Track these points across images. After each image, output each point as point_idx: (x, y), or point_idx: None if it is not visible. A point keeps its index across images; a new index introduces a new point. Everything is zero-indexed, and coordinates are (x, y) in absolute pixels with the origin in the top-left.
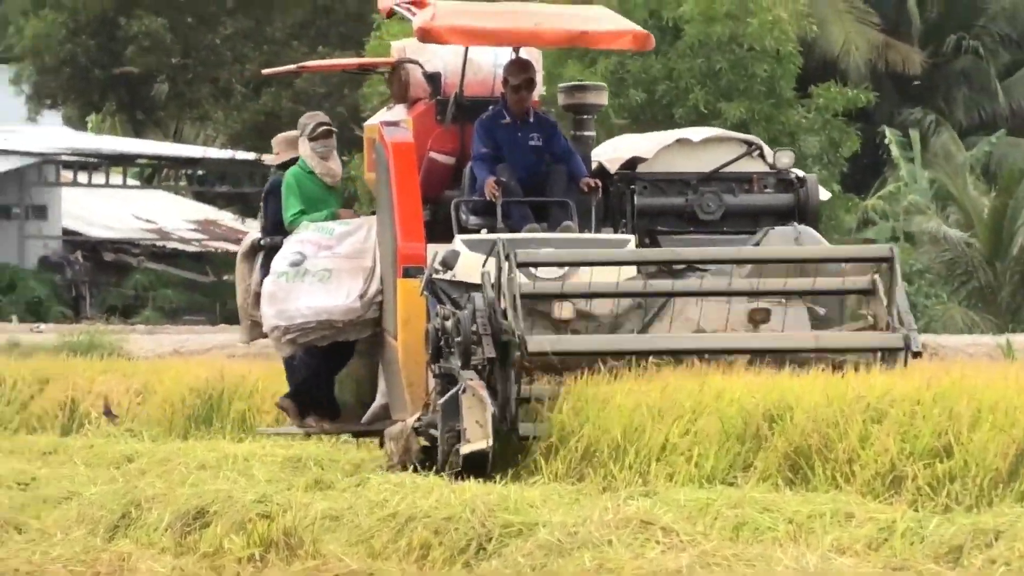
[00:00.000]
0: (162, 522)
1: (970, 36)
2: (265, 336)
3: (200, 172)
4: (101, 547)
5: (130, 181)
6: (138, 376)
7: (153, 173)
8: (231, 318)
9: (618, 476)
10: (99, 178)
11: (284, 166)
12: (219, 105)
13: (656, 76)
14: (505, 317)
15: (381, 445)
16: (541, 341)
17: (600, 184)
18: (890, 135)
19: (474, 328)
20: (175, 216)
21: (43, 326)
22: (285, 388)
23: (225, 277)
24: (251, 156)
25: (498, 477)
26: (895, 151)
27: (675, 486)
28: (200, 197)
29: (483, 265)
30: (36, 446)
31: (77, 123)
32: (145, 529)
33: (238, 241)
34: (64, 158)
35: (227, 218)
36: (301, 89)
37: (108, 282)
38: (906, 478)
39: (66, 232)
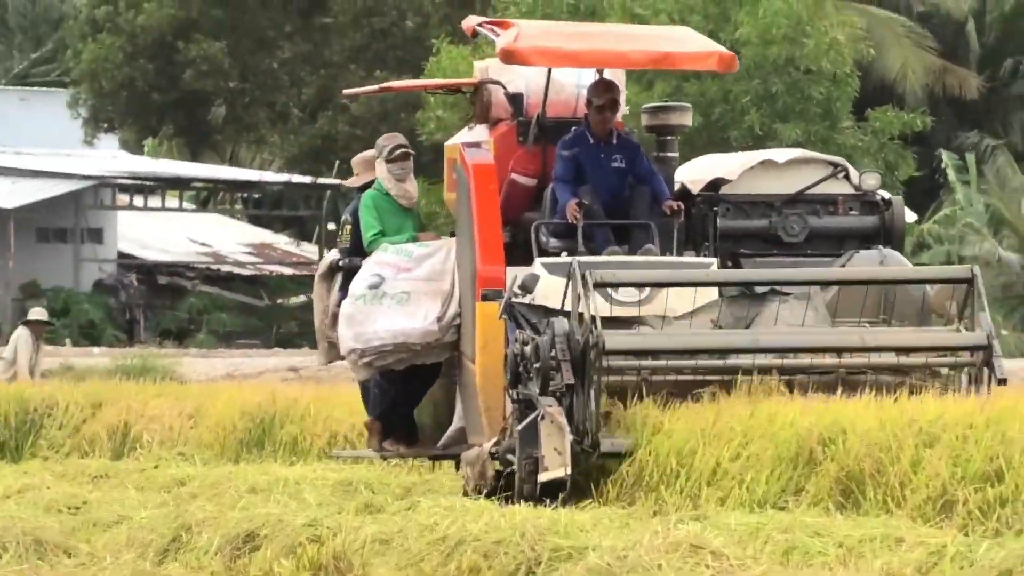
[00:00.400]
0: (212, 546)
1: None
2: (342, 358)
3: (256, 196)
4: (151, 571)
5: (186, 204)
6: (190, 400)
7: (209, 196)
8: (284, 342)
9: (668, 500)
10: (155, 201)
11: (364, 188)
12: (276, 129)
13: (713, 98)
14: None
15: (457, 469)
16: (620, 339)
17: (683, 206)
18: (946, 159)
19: (553, 354)
20: (230, 240)
21: (96, 350)
22: (338, 412)
23: (279, 301)
24: (307, 180)
25: (547, 500)
26: (951, 175)
27: (726, 510)
28: (255, 221)
29: (565, 289)
30: (88, 470)
31: (134, 147)
32: (195, 553)
33: (293, 264)
34: (120, 181)
35: (282, 242)
36: (358, 114)
37: (162, 305)
38: (957, 502)
39: (121, 255)
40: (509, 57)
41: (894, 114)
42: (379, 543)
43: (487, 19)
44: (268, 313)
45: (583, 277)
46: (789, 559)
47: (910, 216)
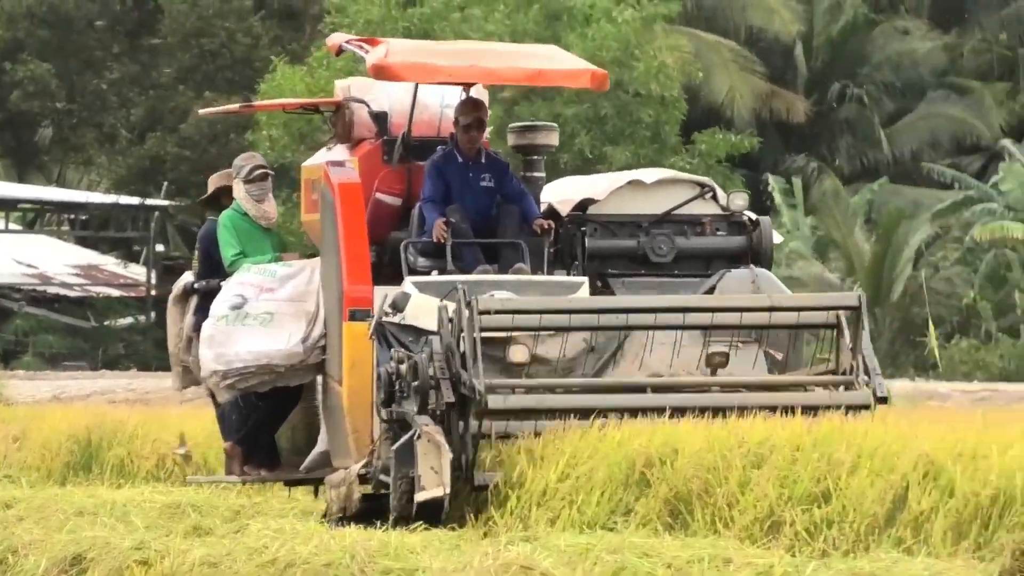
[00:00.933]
0: (39, 569)
1: (854, 84)
2: (197, 383)
3: (83, 217)
4: None
5: (12, 226)
6: (16, 422)
7: (36, 218)
8: (112, 364)
9: (499, 522)
10: None
11: (209, 201)
12: (103, 150)
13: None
14: (464, 366)
15: (316, 494)
16: (501, 400)
17: (553, 225)
18: (773, 182)
19: (431, 372)
20: (57, 261)
21: None
22: (165, 434)
23: (106, 323)
24: (135, 201)
25: (378, 523)
26: (778, 198)
27: (556, 531)
28: (83, 242)
29: (440, 308)
30: None
31: None
32: None
33: (121, 286)
34: None
35: (110, 263)
36: (187, 135)
37: None
38: (784, 523)
39: None
40: (380, 73)
41: (721, 137)
42: (207, 566)
43: (354, 36)
44: (95, 335)
45: (469, 303)
46: None
47: (777, 237)
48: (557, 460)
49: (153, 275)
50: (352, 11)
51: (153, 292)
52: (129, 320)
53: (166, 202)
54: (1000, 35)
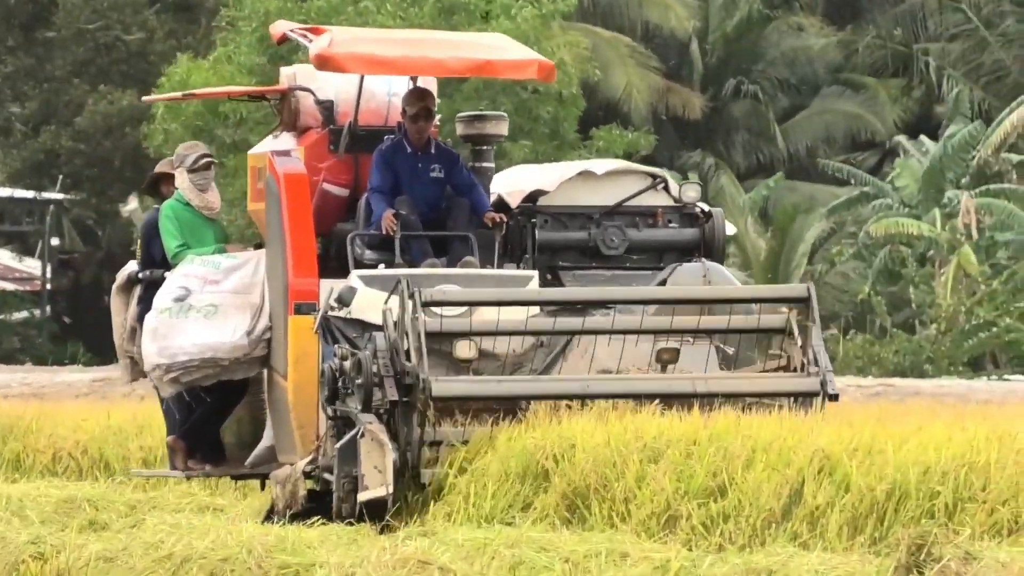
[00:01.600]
0: None
1: (749, 81)
2: (144, 375)
3: None
4: None
5: None
6: None
7: None
8: (7, 358)
9: (395, 517)
10: None
11: (148, 189)
12: None
13: (443, 119)
14: (409, 359)
15: (262, 488)
16: (447, 386)
17: (504, 218)
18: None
19: (375, 369)
20: None
21: None
22: (61, 428)
23: (2, 316)
24: (30, 194)
25: (275, 519)
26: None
27: (453, 526)
28: None
29: (385, 303)
30: None
31: None
32: None
33: (16, 280)
34: None
35: (5, 257)
36: (81, 128)
37: None
38: (681, 517)
39: None
40: (324, 64)
41: (618, 133)
42: (104, 561)
43: (298, 25)
44: None
45: (412, 295)
46: (516, 574)
47: (730, 229)
48: (454, 455)
49: (48, 269)
50: (249, 3)
51: (48, 286)
52: (24, 314)
53: (61, 195)
54: (894, 31)
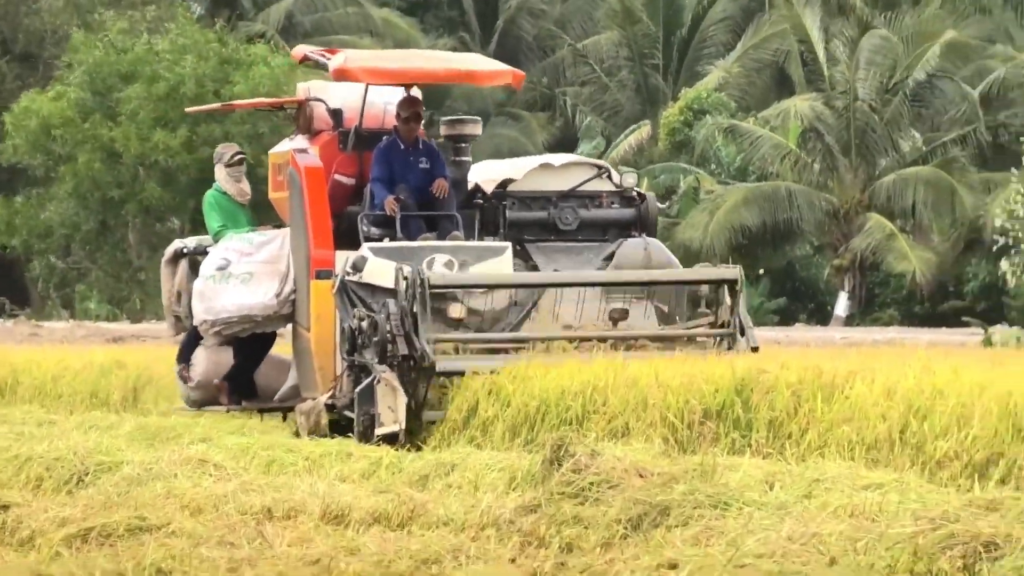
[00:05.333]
0: None
1: (440, 112)
2: (186, 330)
3: None
4: None
5: None
6: None
7: None
8: None
9: (183, 428)
10: None
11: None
12: None
13: (217, 138)
14: (416, 331)
15: (284, 418)
16: (448, 364)
17: (445, 187)
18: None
19: (389, 329)
20: None
21: None
22: None
23: None
24: None
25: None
26: None
27: (224, 435)
28: None
29: (397, 271)
30: None
31: None
32: None
33: None
34: None
35: None
36: None
37: None
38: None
39: None
40: (342, 76)
41: None
42: None
43: (315, 48)
44: None
45: (422, 281)
46: (270, 469)
47: (661, 206)
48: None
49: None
50: (80, 55)
51: None
52: None
53: None
54: (543, 79)
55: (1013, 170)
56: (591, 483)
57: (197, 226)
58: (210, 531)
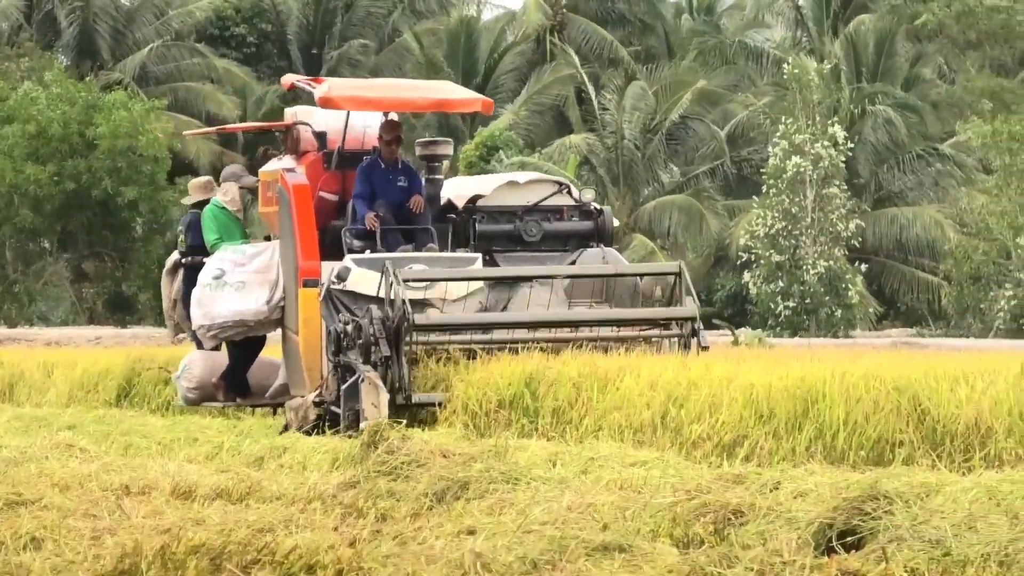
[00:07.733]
0: None
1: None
2: (183, 333)
3: None
4: None
5: None
6: None
7: None
8: None
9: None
10: None
11: (196, 205)
12: None
13: (81, 171)
14: (394, 320)
15: (274, 413)
16: (424, 316)
17: (421, 203)
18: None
19: (372, 331)
20: None
21: None
22: None
23: None
24: None
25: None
26: None
27: (90, 422)
28: None
29: (378, 283)
30: None
31: None
32: None
33: None
34: None
35: None
36: None
37: None
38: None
39: None
40: (327, 103)
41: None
42: None
43: (302, 77)
44: None
45: (394, 273)
46: (128, 452)
47: (616, 222)
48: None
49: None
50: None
51: None
52: None
53: None
54: None
55: (754, 198)
56: (402, 462)
57: (66, 246)
58: (76, 505)
